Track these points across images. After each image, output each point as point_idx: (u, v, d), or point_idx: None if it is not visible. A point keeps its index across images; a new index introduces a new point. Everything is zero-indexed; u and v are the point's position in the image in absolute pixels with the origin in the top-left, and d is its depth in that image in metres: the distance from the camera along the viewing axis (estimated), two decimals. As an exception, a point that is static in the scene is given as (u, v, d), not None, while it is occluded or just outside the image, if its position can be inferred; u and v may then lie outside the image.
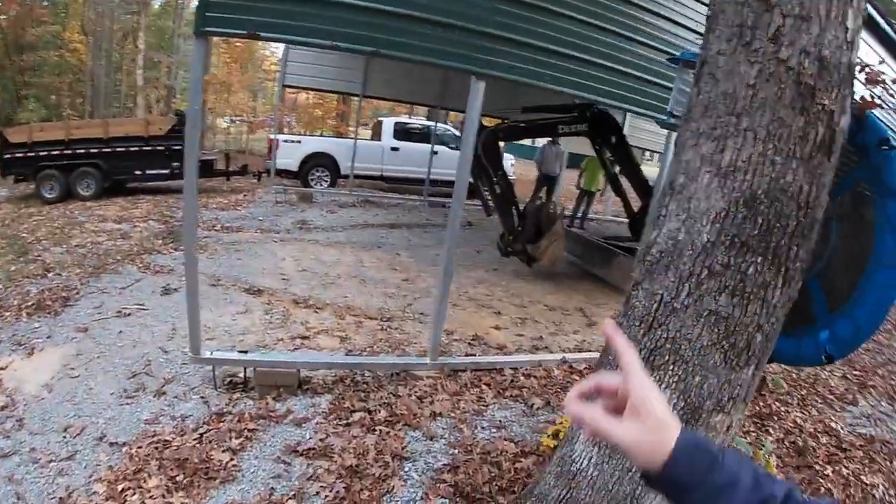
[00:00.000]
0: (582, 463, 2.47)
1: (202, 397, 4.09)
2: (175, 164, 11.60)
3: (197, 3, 3.46)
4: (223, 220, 9.57)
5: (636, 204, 8.86)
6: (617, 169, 8.75)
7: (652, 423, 0.75)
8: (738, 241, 2.04)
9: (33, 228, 9.43)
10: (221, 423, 3.74)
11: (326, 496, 3.11)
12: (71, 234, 8.79)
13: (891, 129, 2.28)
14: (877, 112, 2.20)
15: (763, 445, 3.84)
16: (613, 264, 8.03)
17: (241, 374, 4.31)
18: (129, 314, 5.52)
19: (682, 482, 0.74)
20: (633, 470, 2.34)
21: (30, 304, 5.75)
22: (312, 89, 15.58)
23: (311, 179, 13.33)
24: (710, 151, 2.05)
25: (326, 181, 13.53)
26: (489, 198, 7.30)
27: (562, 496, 2.54)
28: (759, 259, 2.04)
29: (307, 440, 3.62)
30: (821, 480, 3.93)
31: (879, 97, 2.06)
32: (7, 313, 5.57)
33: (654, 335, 2.28)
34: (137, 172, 11.85)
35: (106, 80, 26.12)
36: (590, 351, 5.56)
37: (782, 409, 4.84)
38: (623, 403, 0.77)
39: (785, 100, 1.89)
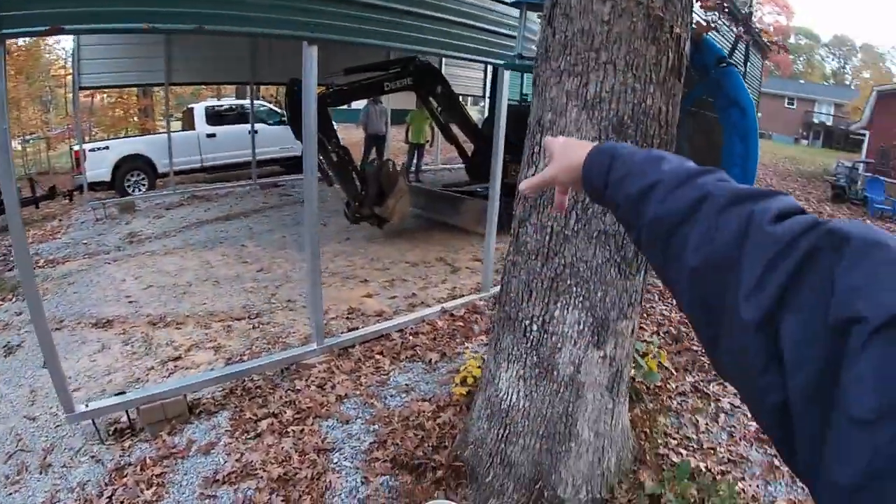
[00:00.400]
0: (511, 398, 2.71)
1: (92, 456, 3.71)
2: None
3: None
4: (44, 254, 8.60)
5: (468, 148, 9.28)
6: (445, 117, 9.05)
7: (557, 151, 0.99)
8: (614, 164, 2.32)
9: None
10: (125, 478, 3.44)
11: (268, 515, 3.07)
12: None
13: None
14: (711, 35, 2.56)
15: (651, 342, 4.35)
16: (462, 210, 8.39)
17: (125, 418, 3.97)
18: None
19: (592, 186, 0.90)
20: (560, 390, 2.62)
21: None
22: (112, 86, 14.12)
23: (128, 186, 12.27)
24: (574, 87, 2.28)
25: (145, 185, 12.51)
26: (328, 167, 7.26)
27: (500, 434, 2.77)
28: (634, 176, 2.35)
29: (223, 465, 3.46)
30: (703, 359, 4.54)
31: (714, 21, 2.41)
32: None
33: (552, 264, 2.53)
34: None
35: None
36: (463, 295, 5.88)
37: (647, 305, 5.46)
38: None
39: (638, 32, 2.16)
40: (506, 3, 5.05)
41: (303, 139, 4.30)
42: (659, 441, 3.49)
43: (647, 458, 3.27)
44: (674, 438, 3.56)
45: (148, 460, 3.56)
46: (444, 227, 8.63)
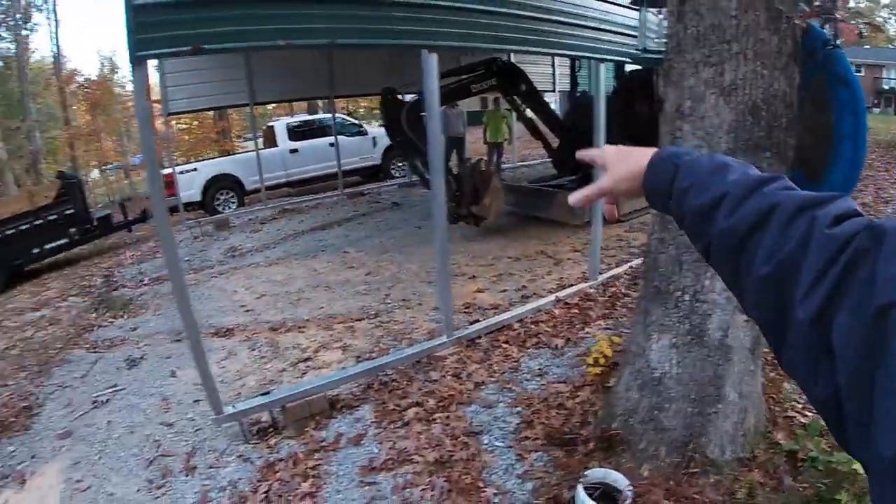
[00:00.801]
0: (664, 367, 3.02)
1: (239, 455, 3.98)
2: (72, 230, 11.21)
3: (126, 26, 3.30)
4: (149, 273, 9.39)
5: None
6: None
7: (611, 160, 0.99)
8: (752, 143, 2.62)
9: (-66, 349, 8.94)
10: (278, 473, 3.70)
11: (433, 495, 3.28)
12: (-9, 340, 8.41)
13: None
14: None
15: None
16: (555, 203, 8.66)
17: (266, 418, 4.28)
18: (106, 401, 5.26)
19: (655, 194, 0.91)
20: (710, 355, 2.92)
21: None
22: (198, 110, 15.21)
23: (217, 204, 13.18)
24: (710, 76, 2.60)
25: (234, 202, 13.43)
26: (423, 171, 7.67)
27: (652, 403, 3.08)
28: (769, 154, 2.64)
29: (377, 454, 3.71)
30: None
31: (818, 7, 2.72)
32: None
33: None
34: (35, 251, 11.29)
35: None
36: (572, 285, 6.18)
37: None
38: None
39: (761, 23, 2.51)
40: (619, 4, 5.37)
41: (427, 144, 4.70)
42: (786, 405, 3.66)
43: (778, 420, 3.46)
44: (798, 402, 3.70)
45: (300, 455, 3.82)
46: (537, 222, 8.95)
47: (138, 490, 3.86)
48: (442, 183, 4.76)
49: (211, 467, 3.92)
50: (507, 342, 5.02)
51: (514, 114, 11.30)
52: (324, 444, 3.93)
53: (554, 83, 15.04)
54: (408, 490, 3.36)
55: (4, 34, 26.96)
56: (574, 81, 12.07)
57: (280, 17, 3.68)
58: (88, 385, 5.72)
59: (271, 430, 4.21)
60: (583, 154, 1.10)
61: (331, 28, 3.90)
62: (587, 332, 5.13)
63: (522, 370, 4.57)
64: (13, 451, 4.80)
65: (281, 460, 3.83)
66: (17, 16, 26.25)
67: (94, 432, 4.73)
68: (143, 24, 3.31)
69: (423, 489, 3.34)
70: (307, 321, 6.14)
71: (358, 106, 31.80)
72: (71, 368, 6.26)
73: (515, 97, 8.98)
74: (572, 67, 12.06)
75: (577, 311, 5.58)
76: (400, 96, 8.29)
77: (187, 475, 3.89)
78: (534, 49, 5.29)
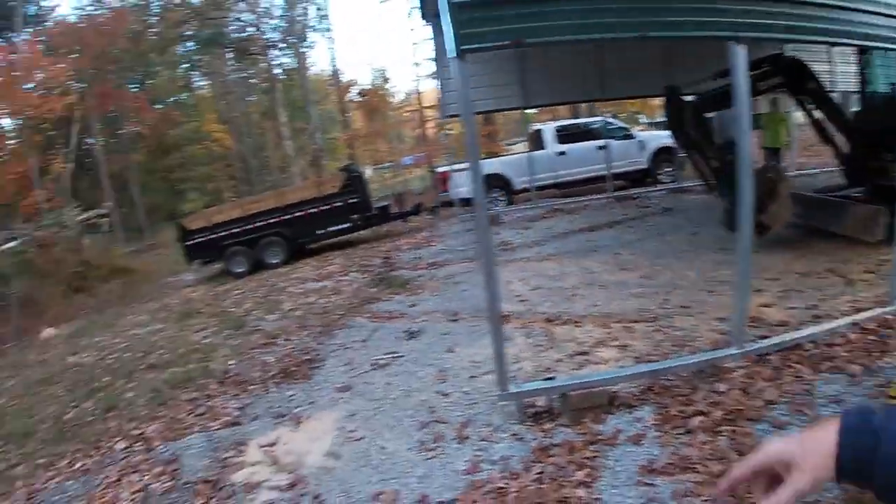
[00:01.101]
0: None
1: (513, 434, 4.07)
2: (355, 216, 12.75)
3: (450, 24, 3.59)
4: (425, 258, 10.23)
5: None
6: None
7: (798, 454, 0.84)
8: None
9: (237, 302, 10.51)
10: (550, 458, 3.72)
11: (715, 509, 3.07)
12: (278, 301, 9.69)
13: None
14: None
15: None
16: (847, 216, 7.84)
17: (541, 403, 4.37)
18: (385, 364, 5.79)
19: (855, 471, 0.80)
20: None
21: (273, 373, 6.19)
22: (477, 113, 16.32)
23: (487, 202, 13.91)
24: None
25: (503, 201, 14.20)
26: (708, 175, 7.40)
27: None
28: None
29: (657, 457, 3.61)
30: None
31: None
32: (252, 387, 5.97)
33: None
34: (319, 232, 13.15)
35: (253, 159, 30.99)
36: (867, 308, 5.53)
37: None
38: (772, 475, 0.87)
39: None
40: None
41: (739, 143, 4.50)
42: None
43: None
44: None
45: (576, 444, 3.84)
46: (824, 235, 8.15)
47: (409, 448, 4.16)
48: (750, 184, 4.53)
49: (483, 440, 4.08)
50: (798, 362, 4.63)
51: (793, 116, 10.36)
52: (601, 437, 3.94)
53: (837, 80, 13.67)
54: (688, 499, 3.25)
55: (285, 52, 32.46)
56: (864, 79, 10.80)
57: (581, 13, 3.78)
58: (368, 349, 6.39)
59: (546, 415, 4.30)
60: (752, 465, 0.90)
61: (643, 22, 3.92)
62: (887, 362, 4.57)
63: (817, 394, 4.20)
64: (292, 396, 5.56)
65: (556, 445, 3.89)
66: (295, 36, 30.93)
67: (372, 390, 5.26)
68: (466, 21, 3.60)
69: (705, 501, 3.23)
70: (583, 317, 6.19)
71: (623, 109, 31.47)
72: (352, 333, 7.04)
73: (803, 97, 8.25)
74: (862, 62, 10.78)
75: (874, 337, 5.00)
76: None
77: (459, 443, 4.10)
78: (835, 40, 4.82)
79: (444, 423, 4.42)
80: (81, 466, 5.21)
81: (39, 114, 25.85)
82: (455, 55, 3.69)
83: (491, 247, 4.26)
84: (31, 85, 26.27)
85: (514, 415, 4.29)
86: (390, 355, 6.04)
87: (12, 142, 28.09)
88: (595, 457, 3.72)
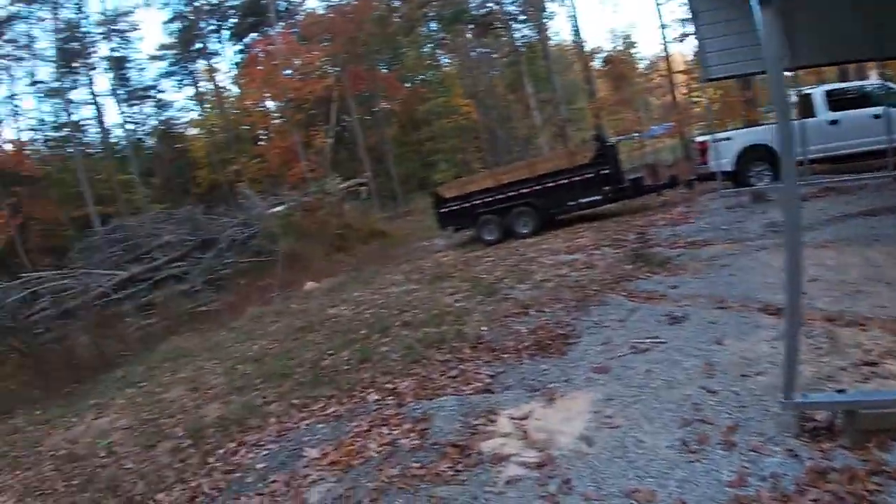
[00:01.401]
0: None
1: (788, 449, 3.51)
2: (606, 188, 12.43)
3: None
4: (684, 235, 9.63)
5: None
6: None
7: None
8: None
9: (488, 269, 10.73)
10: (827, 484, 3.15)
11: None
12: (529, 271, 9.70)
13: None
14: None
15: None
16: None
17: (819, 417, 3.71)
18: (646, 349, 5.37)
19: None
20: None
21: (527, 344, 6.06)
22: (738, 76, 15.08)
23: (750, 176, 12.73)
24: None
25: (769, 175, 12.74)
26: None
27: None
28: None
29: None
30: None
31: None
32: (505, 355, 5.89)
33: None
34: (570, 203, 13.08)
35: (500, 131, 32.92)
36: None
37: None
38: None
39: None
40: None
41: None
42: None
43: None
44: None
45: (858, 472, 3.20)
46: None
47: (669, 446, 3.79)
48: None
49: (752, 450, 3.57)
50: None
51: None
52: (885, 468, 3.23)
53: None
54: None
55: (526, 24, 33.76)
56: None
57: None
58: (627, 330, 6.03)
59: (825, 432, 3.65)
60: None
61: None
62: None
63: None
64: (546, 370, 5.39)
65: (835, 470, 3.28)
66: (535, 7, 31.95)
67: (632, 376, 4.88)
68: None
69: None
70: (868, 318, 5.18)
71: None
72: (608, 311, 6.72)
73: None
74: None
75: None
76: None
77: (725, 450, 3.64)
78: None
79: (709, 423, 3.95)
80: (334, 412, 5.50)
81: (300, 96, 30.71)
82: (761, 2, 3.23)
83: (798, 229, 3.76)
84: (289, 71, 31.59)
85: (791, 427, 3.70)
86: (651, 340, 5.60)
87: (276, 121, 32.84)
88: (877, 491, 3.10)
